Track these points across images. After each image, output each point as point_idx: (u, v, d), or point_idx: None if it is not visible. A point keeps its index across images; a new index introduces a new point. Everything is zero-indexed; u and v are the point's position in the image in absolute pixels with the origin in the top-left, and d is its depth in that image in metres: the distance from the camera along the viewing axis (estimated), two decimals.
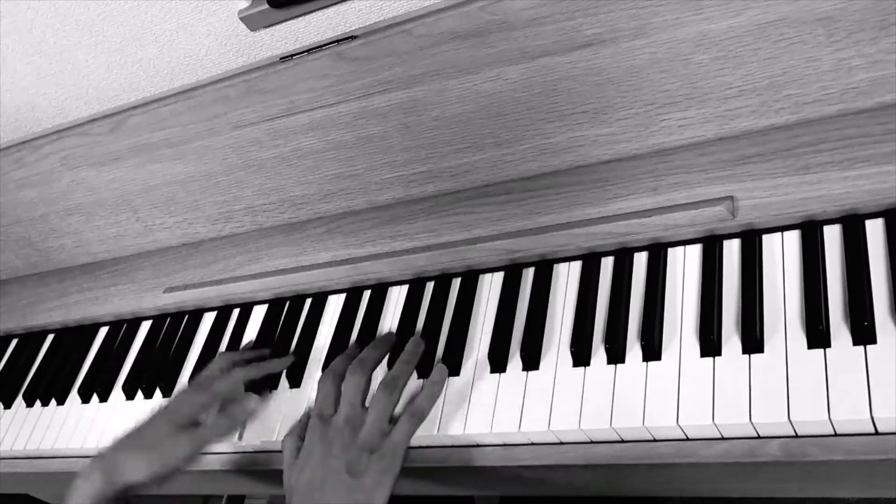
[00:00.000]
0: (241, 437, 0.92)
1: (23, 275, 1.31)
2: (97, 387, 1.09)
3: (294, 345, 0.98)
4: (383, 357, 0.88)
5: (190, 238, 1.14)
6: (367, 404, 0.83)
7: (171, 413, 0.86)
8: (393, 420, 0.81)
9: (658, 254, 0.82)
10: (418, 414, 0.81)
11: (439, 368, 0.84)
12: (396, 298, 0.96)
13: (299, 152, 0.99)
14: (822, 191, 0.76)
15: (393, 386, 0.82)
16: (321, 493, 0.75)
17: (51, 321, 1.22)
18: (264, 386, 0.94)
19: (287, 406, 0.92)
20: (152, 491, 0.83)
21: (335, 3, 0.87)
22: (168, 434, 0.84)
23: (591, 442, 0.76)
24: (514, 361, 0.83)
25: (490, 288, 0.90)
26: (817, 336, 0.70)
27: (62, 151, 1.10)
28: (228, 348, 1.03)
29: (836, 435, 0.67)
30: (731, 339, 0.74)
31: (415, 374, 0.86)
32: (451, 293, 0.92)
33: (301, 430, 0.84)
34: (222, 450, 0.94)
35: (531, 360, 0.81)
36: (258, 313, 1.05)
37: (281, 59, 0.93)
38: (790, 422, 0.67)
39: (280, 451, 0.86)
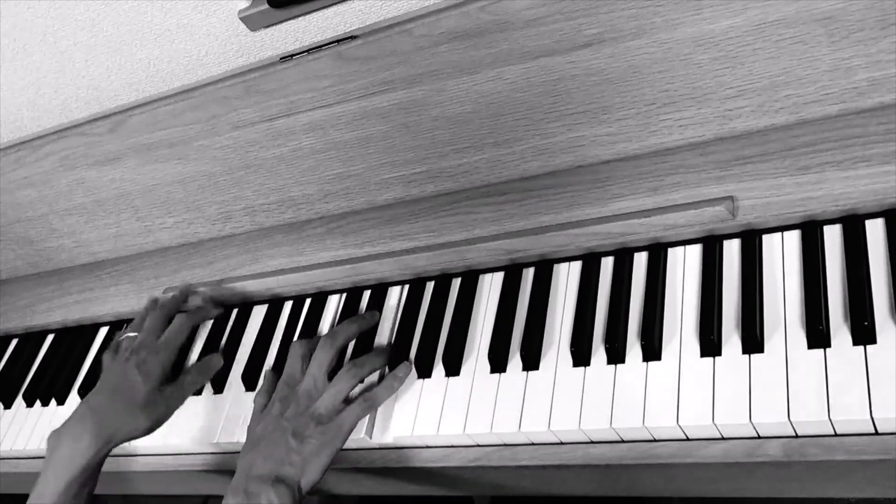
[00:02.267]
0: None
1: (23, 275, 1.31)
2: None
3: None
4: (356, 333, 0.92)
5: (190, 238, 1.14)
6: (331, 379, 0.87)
7: (146, 372, 0.92)
8: (348, 401, 0.85)
9: (658, 254, 0.82)
10: (370, 400, 0.84)
11: (404, 365, 0.87)
12: (396, 298, 0.96)
13: (299, 152, 0.99)
14: (822, 191, 0.76)
15: (358, 369, 0.86)
16: (265, 446, 0.81)
17: (51, 321, 1.22)
18: None
19: None
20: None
21: (335, 3, 0.87)
22: (153, 390, 0.91)
23: (591, 442, 0.76)
24: (514, 361, 0.83)
25: (490, 288, 0.90)
26: (817, 336, 0.70)
27: (62, 151, 1.10)
28: (227, 348, 1.03)
29: (836, 435, 0.67)
30: (731, 339, 0.74)
31: (415, 373, 0.87)
32: (451, 293, 0.92)
33: (269, 389, 0.90)
34: (223, 450, 0.94)
35: (531, 360, 0.81)
36: (258, 313, 1.05)
37: (281, 59, 0.93)
38: (790, 422, 0.67)
39: None
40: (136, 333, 0.98)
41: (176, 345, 0.97)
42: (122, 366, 0.92)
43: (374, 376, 0.88)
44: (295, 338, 0.99)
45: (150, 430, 0.90)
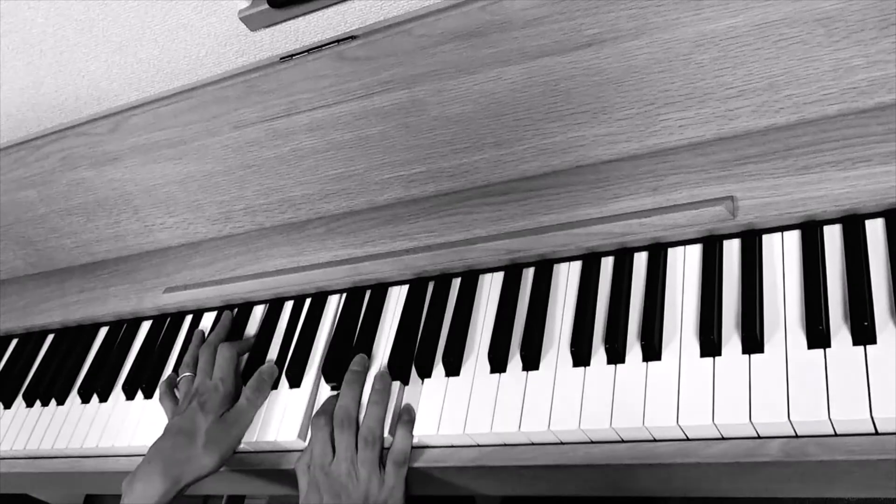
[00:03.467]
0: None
1: (23, 275, 1.31)
2: (97, 387, 1.09)
3: (294, 345, 0.98)
4: (360, 396, 0.89)
5: (190, 238, 1.14)
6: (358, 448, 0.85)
7: (208, 410, 0.92)
8: (382, 462, 0.84)
9: (658, 254, 0.82)
10: (401, 460, 0.84)
11: (407, 409, 0.86)
12: (396, 298, 0.96)
13: (299, 152, 0.99)
14: (822, 191, 0.76)
15: (373, 440, 0.84)
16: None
17: (51, 321, 1.22)
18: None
19: (287, 405, 0.92)
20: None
21: (335, 3, 0.87)
22: (214, 422, 0.91)
23: (591, 442, 0.76)
24: (514, 361, 0.83)
25: (490, 288, 0.90)
26: (817, 336, 0.70)
27: (62, 151, 1.10)
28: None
29: (836, 435, 0.67)
30: (731, 339, 0.74)
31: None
32: (451, 293, 0.92)
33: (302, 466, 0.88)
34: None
35: (531, 360, 0.81)
36: (258, 313, 1.05)
37: (281, 59, 0.93)
38: (790, 422, 0.67)
39: (282, 452, 0.88)
40: (190, 374, 0.99)
41: (230, 376, 0.96)
42: (185, 409, 0.93)
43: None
44: (296, 338, 0.99)
45: (218, 466, 0.90)
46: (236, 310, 1.07)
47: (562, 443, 0.77)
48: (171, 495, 0.87)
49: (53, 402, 1.12)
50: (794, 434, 0.68)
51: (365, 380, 0.90)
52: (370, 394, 0.88)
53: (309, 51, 0.91)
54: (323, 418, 0.88)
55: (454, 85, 0.88)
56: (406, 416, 0.86)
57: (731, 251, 0.80)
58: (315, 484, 0.84)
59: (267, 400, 0.94)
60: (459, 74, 0.87)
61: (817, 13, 0.73)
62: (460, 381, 0.84)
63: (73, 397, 1.11)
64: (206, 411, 0.92)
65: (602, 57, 0.81)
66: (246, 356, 1.01)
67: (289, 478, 0.90)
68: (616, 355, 0.78)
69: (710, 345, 0.74)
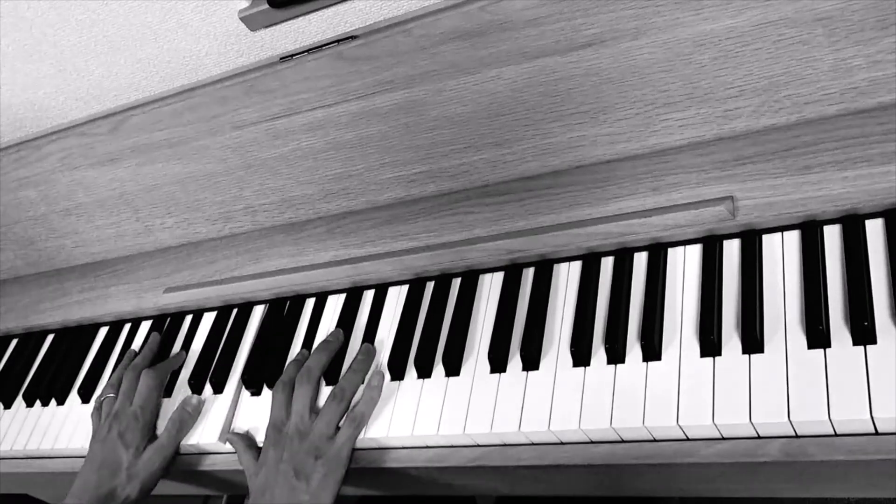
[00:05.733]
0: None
1: (23, 275, 1.31)
2: (97, 387, 1.09)
3: (294, 345, 0.98)
4: (328, 361, 0.92)
5: (190, 238, 1.14)
6: (318, 410, 0.88)
7: (126, 442, 0.95)
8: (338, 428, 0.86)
9: (658, 254, 0.82)
10: (358, 419, 0.86)
11: (377, 374, 0.88)
12: (396, 298, 0.96)
13: (299, 152, 0.99)
14: (822, 191, 0.76)
15: (341, 396, 0.87)
16: (271, 495, 0.83)
17: (51, 321, 1.22)
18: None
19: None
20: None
21: (335, 3, 0.87)
22: (134, 456, 0.94)
23: (591, 442, 0.76)
24: (514, 361, 0.83)
25: (490, 288, 0.90)
26: (817, 336, 0.70)
27: (62, 151, 1.10)
28: (227, 348, 1.03)
29: (836, 435, 0.67)
30: (731, 339, 0.74)
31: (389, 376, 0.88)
32: (451, 293, 0.92)
33: (249, 443, 0.92)
34: (222, 450, 0.94)
35: (531, 361, 0.81)
36: (258, 313, 1.05)
37: (281, 59, 0.93)
38: (790, 422, 0.67)
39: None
40: (113, 395, 1.00)
41: (150, 405, 0.98)
42: (105, 436, 0.95)
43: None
44: (295, 338, 0.99)
45: (142, 498, 0.92)
46: (236, 310, 1.07)
47: (562, 443, 0.77)
48: None
49: (53, 402, 1.12)
50: (794, 434, 0.68)
51: (335, 350, 0.93)
52: (352, 362, 0.90)
53: (309, 51, 0.91)
54: (281, 385, 0.90)
55: (454, 85, 0.88)
56: (374, 381, 0.88)
57: (731, 251, 0.80)
58: (269, 441, 0.87)
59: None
60: (459, 74, 0.87)
61: (817, 13, 0.73)
62: (460, 381, 0.84)
63: (73, 397, 1.11)
64: (126, 444, 0.94)
65: (602, 57, 0.81)
66: (248, 351, 1.01)
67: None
68: (616, 355, 0.78)
69: (710, 345, 0.74)
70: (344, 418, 0.86)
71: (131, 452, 0.93)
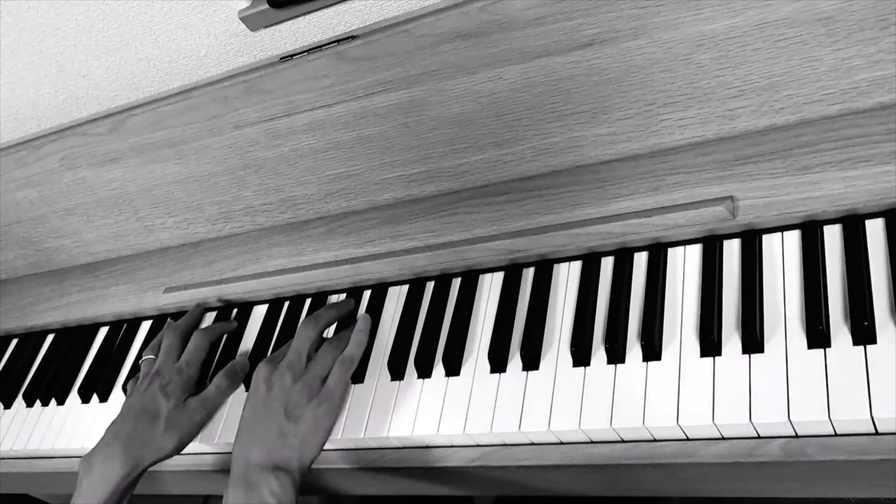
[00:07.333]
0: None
1: (23, 275, 1.31)
2: (97, 387, 1.09)
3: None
4: (338, 317, 0.93)
5: (190, 238, 1.14)
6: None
7: (168, 393, 0.91)
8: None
9: (658, 254, 0.82)
10: (348, 361, 0.86)
11: (363, 317, 0.90)
12: (396, 298, 0.96)
13: (299, 152, 0.99)
14: (822, 191, 0.76)
15: (337, 343, 0.88)
16: (258, 432, 0.81)
17: (51, 321, 1.22)
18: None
19: None
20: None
21: (335, 3, 0.87)
22: (176, 406, 0.90)
23: (592, 442, 0.76)
24: (514, 361, 0.83)
25: (490, 288, 0.90)
26: (817, 336, 0.70)
27: (62, 151, 1.10)
28: (227, 348, 1.03)
29: (836, 435, 0.67)
30: (731, 339, 0.74)
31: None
32: (451, 293, 0.92)
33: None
34: (223, 449, 0.94)
35: (531, 360, 0.81)
36: (258, 313, 1.05)
37: (281, 59, 0.93)
38: (790, 422, 0.67)
39: None
40: (153, 356, 0.97)
41: (196, 362, 0.96)
42: (145, 388, 0.92)
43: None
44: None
45: (178, 450, 0.89)
46: (236, 310, 1.07)
47: (562, 443, 0.77)
48: (132, 478, 0.86)
49: (53, 402, 1.12)
50: (794, 434, 0.68)
51: (346, 313, 0.94)
52: (355, 328, 0.91)
53: (309, 51, 0.91)
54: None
55: (454, 85, 0.88)
56: (361, 325, 0.90)
57: (732, 251, 0.80)
58: (259, 374, 0.86)
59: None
60: (459, 74, 0.87)
61: (817, 13, 0.73)
62: (460, 381, 0.84)
63: (73, 397, 1.11)
64: (167, 393, 0.90)
65: (602, 57, 0.81)
66: (248, 351, 1.01)
67: None
68: (616, 355, 0.78)
69: (711, 345, 0.74)
70: (335, 362, 0.86)
71: (172, 402, 0.90)
